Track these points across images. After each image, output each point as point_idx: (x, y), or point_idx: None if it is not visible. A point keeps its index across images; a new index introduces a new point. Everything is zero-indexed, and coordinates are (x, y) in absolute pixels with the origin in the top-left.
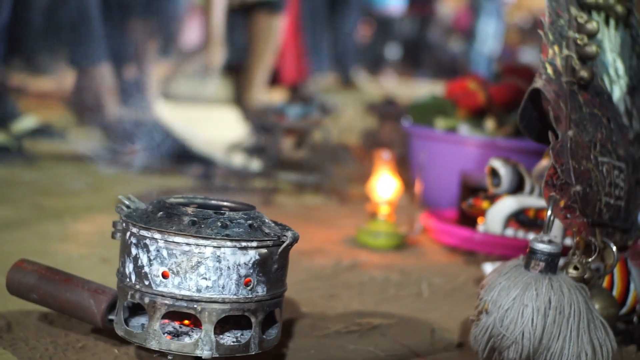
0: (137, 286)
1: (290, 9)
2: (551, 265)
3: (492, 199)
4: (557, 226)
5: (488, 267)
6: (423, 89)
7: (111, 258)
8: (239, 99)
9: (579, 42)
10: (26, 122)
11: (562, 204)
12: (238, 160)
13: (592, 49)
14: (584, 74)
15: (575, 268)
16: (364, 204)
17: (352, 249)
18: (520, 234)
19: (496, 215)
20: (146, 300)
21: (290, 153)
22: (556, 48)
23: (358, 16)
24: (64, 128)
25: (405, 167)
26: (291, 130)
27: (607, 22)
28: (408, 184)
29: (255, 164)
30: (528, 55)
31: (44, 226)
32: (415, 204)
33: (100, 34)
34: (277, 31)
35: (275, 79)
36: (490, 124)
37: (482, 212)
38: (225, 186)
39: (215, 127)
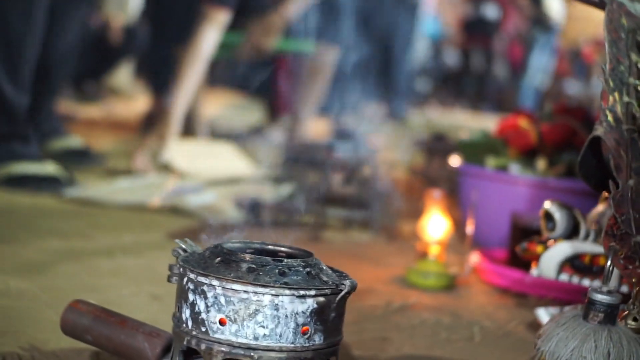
0: (194, 332)
1: None
2: (610, 316)
3: (546, 243)
4: (614, 274)
5: (542, 313)
6: (468, 119)
7: (161, 295)
8: (289, 133)
9: (639, 88)
10: (70, 141)
11: (622, 254)
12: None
13: None
14: None
15: (635, 319)
16: (412, 241)
17: (402, 289)
18: (575, 279)
19: (550, 260)
20: (202, 346)
21: (338, 189)
22: (617, 95)
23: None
24: (104, 153)
25: (452, 203)
26: (340, 166)
27: None
28: (456, 222)
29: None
30: (572, 87)
31: (95, 260)
32: (467, 245)
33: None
34: (328, 66)
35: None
36: (541, 163)
37: (536, 257)
38: (273, 221)
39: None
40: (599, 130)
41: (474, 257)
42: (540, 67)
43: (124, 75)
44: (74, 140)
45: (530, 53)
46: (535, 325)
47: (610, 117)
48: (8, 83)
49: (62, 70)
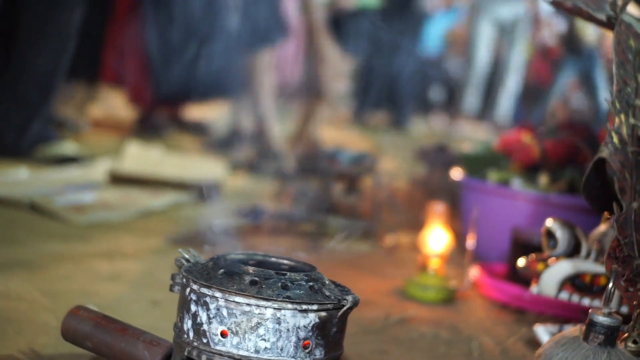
0: (195, 343)
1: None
2: (610, 338)
3: (547, 261)
4: (614, 296)
5: (541, 331)
6: (472, 131)
7: (160, 301)
8: (299, 136)
9: None
10: (65, 148)
11: (624, 276)
12: None
13: None
14: None
15: (635, 342)
16: (412, 252)
17: (401, 302)
18: (575, 298)
19: (551, 279)
20: (203, 358)
21: (340, 198)
22: (623, 117)
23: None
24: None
25: (453, 216)
26: (342, 176)
27: None
28: (457, 235)
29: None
30: (577, 100)
31: (94, 263)
32: (467, 258)
33: None
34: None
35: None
36: (543, 179)
37: (537, 274)
38: (274, 229)
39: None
40: (604, 152)
41: (474, 272)
42: (565, 87)
43: None
44: (69, 147)
45: (558, 73)
46: (533, 343)
47: (615, 139)
48: None
49: (57, 80)
